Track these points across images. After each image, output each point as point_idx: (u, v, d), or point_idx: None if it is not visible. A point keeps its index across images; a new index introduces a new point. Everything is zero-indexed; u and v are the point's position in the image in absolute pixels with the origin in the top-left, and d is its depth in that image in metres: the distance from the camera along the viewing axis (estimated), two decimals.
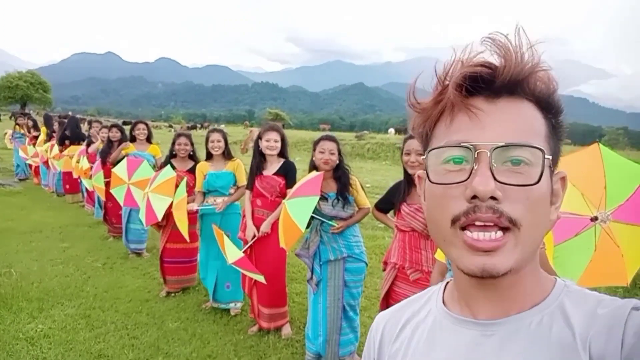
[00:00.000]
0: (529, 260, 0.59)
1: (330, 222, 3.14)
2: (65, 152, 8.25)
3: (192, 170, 4.47)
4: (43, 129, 10.08)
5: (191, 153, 4.53)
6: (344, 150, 3.30)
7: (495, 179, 0.54)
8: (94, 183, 6.09)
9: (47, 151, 8.98)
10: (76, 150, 7.77)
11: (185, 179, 4.10)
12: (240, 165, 4.09)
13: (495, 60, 0.58)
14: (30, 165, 10.93)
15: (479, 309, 0.63)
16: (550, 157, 0.58)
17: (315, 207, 3.02)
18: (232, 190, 4.07)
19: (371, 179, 12.95)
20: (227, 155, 4.10)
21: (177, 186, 4.28)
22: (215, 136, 4.03)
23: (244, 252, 3.50)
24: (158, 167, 5.63)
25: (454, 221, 0.57)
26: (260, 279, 3.32)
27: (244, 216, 3.80)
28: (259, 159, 3.70)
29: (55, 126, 9.39)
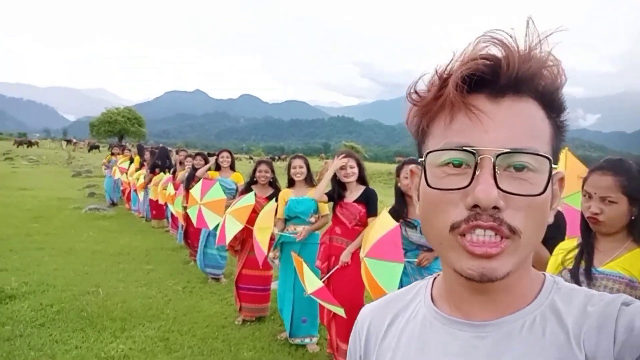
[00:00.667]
0: (525, 263, 0.58)
1: (411, 259, 2.93)
2: (154, 179, 8.70)
3: (271, 197, 4.43)
4: (136, 158, 10.77)
5: (271, 180, 4.50)
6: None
7: (498, 186, 0.51)
8: (174, 208, 6.31)
9: (137, 179, 9.54)
10: (163, 177, 8.16)
11: (269, 205, 4.05)
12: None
13: (499, 53, 0.53)
14: (122, 191, 11.69)
15: (471, 311, 0.61)
16: (556, 165, 0.55)
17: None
18: (312, 219, 3.95)
19: None
20: (309, 181, 4.02)
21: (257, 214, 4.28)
22: (298, 162, 3.97)
23: (323, 282, 3.34)
24: (239, 194, 5.71)
25: (452, 227, 0.54)
26: (340, 312, 3.12)
27: (322, 244, 3.66)
28: (338, 186, 3.57)
29: (147, 156, 10.01)
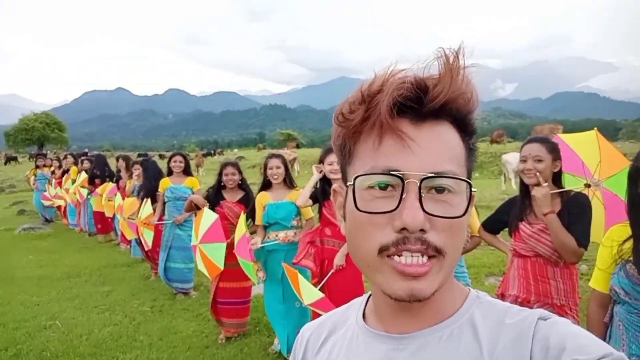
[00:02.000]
0: (448, 279, 0.60)
1: None
2: (98, 190, 7.99)
3: (243, 201, 4.14)
4: (73, 169, 9.89)
5: (240, 182, 4.20)
6: None
7: (423, 209, 0.54)
8: (123, 218, 5.86)
9: (75, 193, 8.75)
10: (106, 187, 7.53)
11: (243, 215, 3.73)
12: None
13: (420, 75, 0.56)
14: (58, 207, 10.75)
15: (393, 324, 0.64)
16: (475, 189, 0.59)
17: None
18: (294, 222, 3.71)
19: None
20: (288, 183, 3.76)
21: (230, 221, 3.98)
22: (274, 162, 3.69)
23: (320, 289, 3.14)
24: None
25: (381, 250, 0.56)
26: None
27: (307, 243, 3.43)
28: (323, 184, 3.36)
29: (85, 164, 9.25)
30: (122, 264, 6.88)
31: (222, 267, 3.62)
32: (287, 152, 22.06)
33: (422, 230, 0.54)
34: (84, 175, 8.44)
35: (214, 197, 4.10)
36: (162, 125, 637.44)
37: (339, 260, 3.24)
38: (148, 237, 5.04)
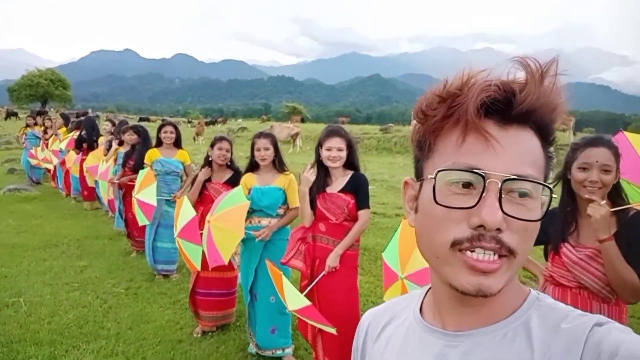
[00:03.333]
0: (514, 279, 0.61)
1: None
2: (88, 159, 7.50)
3: (230, 182, 3.68)
4: (62, 130, 9.41)
5: (229, 162, 3.73)
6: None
7: (502, 210, 0.55)
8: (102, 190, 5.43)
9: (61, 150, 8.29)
10: (97, 155, 7.06)
11: (239, 189, 3.23)
12: (294, 182, 3.25)
13: (514, 82, 0.57)
14: (47, 169, 10.30)
15: (450, 321, 0.64)
16: (555, 195, 0.60)
17: None
18: (280, 211, 3.25)
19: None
20: (277, 165, 3.28)
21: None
22: (263, 143, 3.20)
23: (306, 294, 2.70)
24: (187, 175, 4.87)
25: (454, 244, 0.57)
26: (332, 331, 2.51)
27: (298, 240, 2.98)
28: (322, 172, 2.88)
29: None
30: (104, 236, 6.46)
31: (199, 268, 3.21)
32: (290, 126, 21.49)
33: (497, 230, 0.55)
34: (69, 138, 7.98)
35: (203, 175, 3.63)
36: (168, 89, 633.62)
37: (332, 261, 2.78)
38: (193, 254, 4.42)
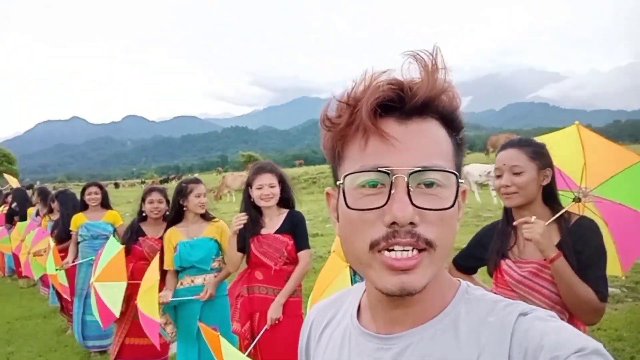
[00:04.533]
0: (439, 273, 0.60)
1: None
2: (14, 231, 6.92)
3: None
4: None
5: (167, 213, 3.37)
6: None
7: (412, 203, 0.55)
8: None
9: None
10: (22, 226, 6.47)
11: (157, 258, 2.90)
12: (226, 229, 2.94)
13: (403, 77, 0.58)
14: None
15: (382, 323, 0.65)
16: (462, 180, 0.59)
17: None
18: (215, 264, 2.91)
19: None
20: (205, 215, 2.96)
21: (148, 261, 3.12)
22: (201, 189, 2.92)
23: (249, 354, 2.35)
24: (120, 237, 4.44)
25: (372, 245, 0.57)
26: None
27: (236, 297, 2.64)
28: (254, 213, 2.60)
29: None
30: (38, 315, 5.84)
31: (117, 314, 2.86)
32: (244, 175, 21.20)
33: (412, 224, 0.55)
34: None
35: (133, 233, 3.24)
36: (120, 152, 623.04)
37: (274, 312, 2.46)
38: (63, 279, 4.11)
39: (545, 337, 0.53)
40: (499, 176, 1.66)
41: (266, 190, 2.51)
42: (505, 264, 1.66)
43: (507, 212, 1.72)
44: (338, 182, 0.62)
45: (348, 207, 0.58)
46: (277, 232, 2.55)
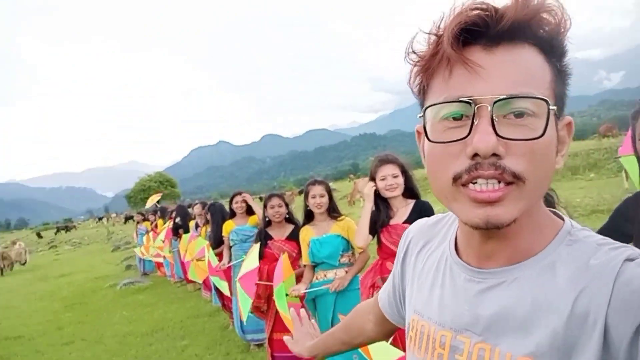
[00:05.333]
0: (532, 209, 0.58)
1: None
2: (181, 242, 7.99)
3: (292, 237, 3.59)
4: (160, 222, 10.17)
5: (287, 216, 3.65)
6: None
7: (497, 134, 0.53)
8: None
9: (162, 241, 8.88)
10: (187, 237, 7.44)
11: (285, 255, 3.17)
12: (352, 225, 3.07)
13: (494, 2, 0.54)
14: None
15: (474, 256, 0.65)
16: (555, 107, 0.55)
17: None
18: (344, 260, 3.05)
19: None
20: (332, 213, 3.14)
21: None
22: (317, 190, 3.10)
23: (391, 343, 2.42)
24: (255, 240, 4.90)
25: (455, 179, 0.55)
26: None
27: (368, 287, 2.74)
28: (381, 204, 2.69)
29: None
30: (204, 314, 6.64)
31: (244, 318, 3.37)
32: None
33: (496, 156, 0.53)
34: (166, 228, 8.54)
35: (263, 237, 3.59)
36: (261, 169, 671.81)
37: None
38: (222, 287, 4.66)
39: None
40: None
41: (390, 180, 2.58)
42: None
43: None
44: (419, 115, 0.60)
45: (429, 140, 0.57)
46: (405, 221, 2.60)
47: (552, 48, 0.56)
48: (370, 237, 2.69)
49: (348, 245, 3.07)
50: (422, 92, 0.62)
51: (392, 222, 2.65)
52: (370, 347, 2.35)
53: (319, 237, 3.07)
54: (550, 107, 0.54)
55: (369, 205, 2.66)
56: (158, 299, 8.37)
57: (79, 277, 13.17)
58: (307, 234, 3.14)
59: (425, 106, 0.58)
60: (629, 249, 0.55)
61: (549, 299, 0.56)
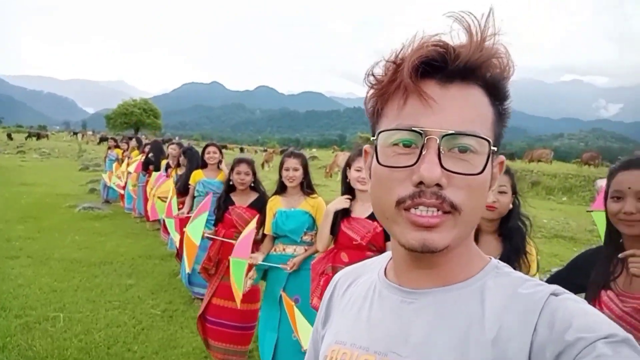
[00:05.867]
0: (464, 239, 0.62)
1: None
2: (151, 180, 7.81)
3: (254, 206, 3.49)
4: (135, 153, 9.93)
5: (252, 184, 3.54)
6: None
7: (442, 166, 0.56)
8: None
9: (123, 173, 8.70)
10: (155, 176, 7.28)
11: (254, 220, 3.09)
12: (323, 206, 3.00)
13: (452, 41, 0.57)
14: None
15: (406, 279, 0.67)
16: (495, 147, 0.59)
17: None
18: (306, 238, 3.00)
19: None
20: (306, 189, 3.05)
21: (238, 230, 3.37)
22: (293, 162, 3.00)
23: None
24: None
25: (398, 202, 0.58)
26: None
27: (319, 274, 2.71)
28: (348, 195, 2.63)
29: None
30: (157, 256, 6.55)
31: (241, 292, 2.94)
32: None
33: (439, 186, 0.56)
34: (137, 161, 8.34)
35: (223, 202, 3.47)
36: (249, 119, 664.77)
37: None
38: (173, 234, 4.58)
39: (576, 318, 0.53)
40: (618, 198, 1.45)
41: (364, 173, 2.50)
42: (607, 296, 1.46)
43: (613, 237, 1.51)
44: (372, 139, 0.63)
45: (379, 163, 0.60)
46: (368, 217, 2.54)
47: (497, 91, 0.61)
48: (331, 237, 2.66)
49: (313, 225, 3.00)
50: (376, 115, 0.64)
51: (355, 214, 2.58)
52: (298, 325, 2.33)
53: (286, 210, 2.99)
54: (492, 147, 0.58)
55: (329, 219, 2.60)
56: (114, 230, 8.24)
57: (40, 189, 12.86)
58: (276, 204, 3.05)
59: (379, 130, 0.61)
60: (554, 286, 0.59)
61: (476, 321, 0.58)
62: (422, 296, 0.64)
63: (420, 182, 0.56)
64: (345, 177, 2.63)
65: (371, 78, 0.63)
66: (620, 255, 1.42)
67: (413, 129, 0.57)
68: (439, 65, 0.57)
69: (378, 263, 0.78)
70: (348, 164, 2.62)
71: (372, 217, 2.53)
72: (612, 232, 1.52)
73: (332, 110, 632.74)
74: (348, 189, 2.63)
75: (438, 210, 0.56)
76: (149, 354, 3.61)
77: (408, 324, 0.63)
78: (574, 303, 0.56)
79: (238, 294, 2.91)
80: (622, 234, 1.48)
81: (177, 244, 4.59)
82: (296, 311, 2.37)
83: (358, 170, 2.53)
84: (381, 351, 0.64)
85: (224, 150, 5.39)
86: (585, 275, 1.58)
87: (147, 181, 7.87)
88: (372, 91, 0.64)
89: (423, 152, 0.56)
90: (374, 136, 0.64)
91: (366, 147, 0.71)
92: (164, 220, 6.47)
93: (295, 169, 2.98)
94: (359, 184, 2.54)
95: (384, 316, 0.67)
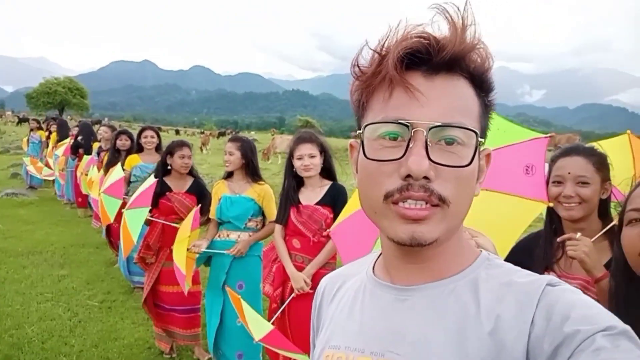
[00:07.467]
0: (454, 232, 0.61)
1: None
2: (81, 164, 7.36)
3: (192, 191, 3.43)
4: (53, 136, 9.29)
5: (191, 169, 3.45)
6: None
7: (429, 158, 0.55)
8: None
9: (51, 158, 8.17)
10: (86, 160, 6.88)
11: (195, 210, 3.01)
12: (269, 193, 2.99)
13: (435, 32, 0.57)
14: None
15: (399, 277, 0.65)
16: (482, 140, 0.60)
17: None
18: (251, 224, 2.98)
19: None
20: (252, 175, 3.02)
21: (180, 217, 3.29)
22: (232, 146, 2.95)
23: (273, 322, 2.42)
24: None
25: (386, 196, 0.58)
26: (304, 358, 2.22)
27: (271, 261, 2.72)
28: (293, 182, 2.63)
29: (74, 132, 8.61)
30: (91, 244, 6.25)
31: (111, 220, 3.46)
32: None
33: (426, 179, 0.56)
34: (66, 144, 7.84)
35: (160, 188, 3.33)
36: (184, 100, 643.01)
37: (296, 282, 2.50)
38: (110, 207, 4.21)
39: (574, 309, 0.52)
40: (559, 182, 1.55)
41: (306, 160, 2.52)
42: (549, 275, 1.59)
43: (553, 221, 1.63)
44: (358, 132, 0.62)
45: (366, 157, 0.59)
46: (317, 203, 2.57)
47: (482, 83, 0.60)
48: (279, 227, 2.67)
49: (259, 212, 2.98)
50: (361, 108, 0.63)
51: (304, 202, 2.60)
52: (247, 317, 2.34)
53: (231, 196, 2.95)
54: (480, 140, 0.58)
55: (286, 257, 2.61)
56: (42, 218, 7.75)
57: None
58: (221, 189, 3.00)
59: (365, 124, 0.60)
60: (549, 276, 0.59)
61: (472, 314, 0.58)
62: (415, 292, 0.63)
63: (408, 175, 0.55)
64: (290, 165, 2.63)
65: (356, 69, 0.61)
66: (558, 239, 1.52)
67: (400, 121, 0.56)
68: (423, 57, 0.56)
69: (364, 263, 0.76)
70: (291, 153, 2.62)
71: (321, 202, 2.56)
72: (552, 216, 1.63)
73: (270, 92, 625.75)
74: (294, 177, 2.63)
75: (426, 203, 0.56)
76: (87, 347, 3.46)
77: (403, 321, 0.62)
78: (571, 294, 0.55)
79: (108, 219, 3.47)
80: (561, 218, 1.59)
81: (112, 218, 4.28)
82: (243, 304, 2.35)
83: (300, 159, 2.54)
84: (377, 351, 0.63)
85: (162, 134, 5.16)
86: (529, 257, 1.69)
87: (77, 165, 7.45)
88: (357, 83, 0.62)
89: (410, 145, 0.55)
90: (359, 129, 0.62)
91: (352, 141, 0.68)
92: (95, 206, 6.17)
93: (231, 153, 2.92)
94: (305, 171, 2.55)
95: (377, 316, 0.65)
